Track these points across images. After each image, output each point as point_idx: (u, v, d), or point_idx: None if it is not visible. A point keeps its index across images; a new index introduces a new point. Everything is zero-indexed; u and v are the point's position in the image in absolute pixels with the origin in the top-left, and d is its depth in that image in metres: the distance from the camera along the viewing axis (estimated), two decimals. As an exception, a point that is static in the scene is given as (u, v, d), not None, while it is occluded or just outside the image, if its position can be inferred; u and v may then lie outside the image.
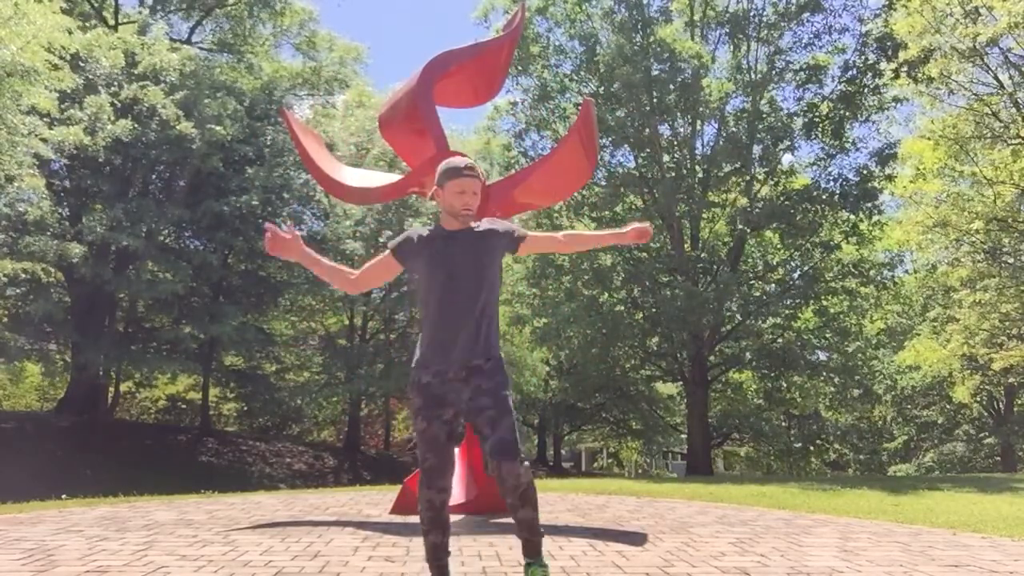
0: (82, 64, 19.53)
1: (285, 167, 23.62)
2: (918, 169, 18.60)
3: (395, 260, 3.21)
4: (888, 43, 18.51)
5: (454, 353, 3.07)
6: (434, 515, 3.10)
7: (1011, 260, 18.79)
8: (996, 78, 16.26)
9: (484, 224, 3.25)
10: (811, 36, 20.08)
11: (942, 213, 17.05)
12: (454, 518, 5.97)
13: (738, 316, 19.75)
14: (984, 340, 20.15)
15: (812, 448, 28.72)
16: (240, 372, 26.45)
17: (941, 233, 17.54)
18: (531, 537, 3.10)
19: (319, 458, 26.26)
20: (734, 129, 19.78)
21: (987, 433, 30.08)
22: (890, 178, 19.08)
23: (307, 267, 3.23)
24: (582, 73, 20.83)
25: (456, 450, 3.27)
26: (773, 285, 20.37)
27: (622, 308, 20.70)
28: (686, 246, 20.06)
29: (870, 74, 19.29)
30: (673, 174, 19.83)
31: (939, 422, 31.34)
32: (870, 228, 19.61)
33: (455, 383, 3.07)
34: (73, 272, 20.41)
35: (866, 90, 19.46)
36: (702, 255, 19.77)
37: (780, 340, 20.91)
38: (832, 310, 20.76)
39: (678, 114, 20.00)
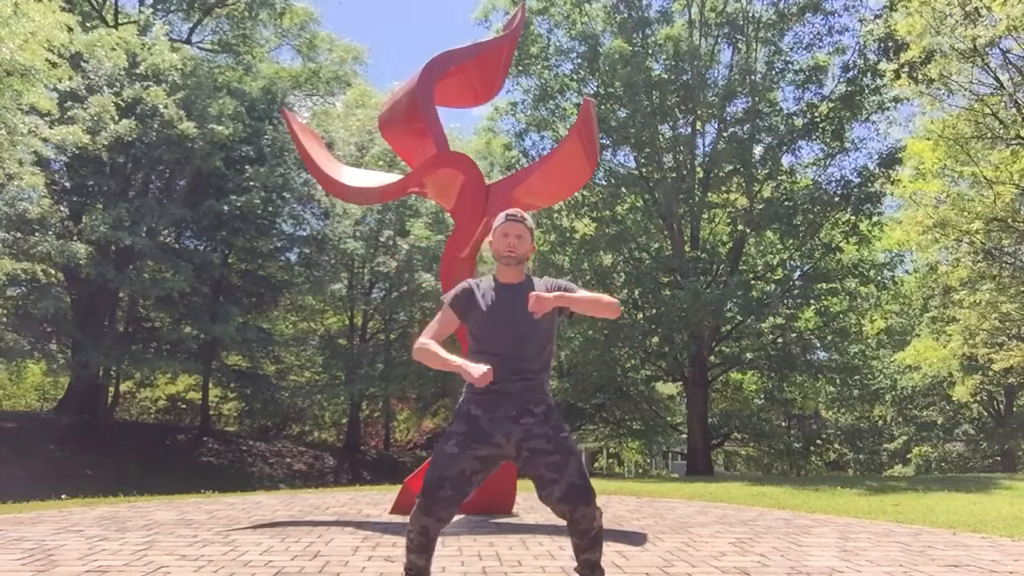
0: (84, 63, 19.51)
1: (285, 167, 23.63)
2: (918, 169, 18.56)
3: (454, 313, 3.10)
4: (889, 43, 18.50)
5: (505, 402, 2.98)
6: (425, 541, 2.94)
7: (1011, 260, 18.76)
8: (996, 78, 16.22)
9: (541, 283, 3.16)
10: (812, 37, 20.12)
11: (942, 213, 17.00)
12: (454, 518, 5.99)
13: (738, 316, 19.74)
14: (984, 340, 20.11)
15: (812, 448, 28.74)
16: (241, 372, 26.42)
17: (941, 233, 17.47)
18: (591, 574, 3.04)
19: (319, 458, 26.23)
20: (735, 130, 19.77)
21: (987, 433, 30.05)
22: (893, 181, 19.08)
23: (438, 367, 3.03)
24: (582, 73, 20.83)
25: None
26: (773, 285, 20.37)
27: (622, 309, 20.66)
28: (686, 247, 20.06)
29: (870, 74, 19.28)
30: (674, 175, 19.82)
31: (939, 422, 31.29)
32: (869, 228, 19.63)
33: (504, 421, 2.97)
34: (75, 271, 20.39)
35: (866, 90, 19.45)
36: (702, 256, 19.76)
37: (780, 340, 20.90)
38: (832, 310, 20.75)
39: (679, 115, 19.99)
